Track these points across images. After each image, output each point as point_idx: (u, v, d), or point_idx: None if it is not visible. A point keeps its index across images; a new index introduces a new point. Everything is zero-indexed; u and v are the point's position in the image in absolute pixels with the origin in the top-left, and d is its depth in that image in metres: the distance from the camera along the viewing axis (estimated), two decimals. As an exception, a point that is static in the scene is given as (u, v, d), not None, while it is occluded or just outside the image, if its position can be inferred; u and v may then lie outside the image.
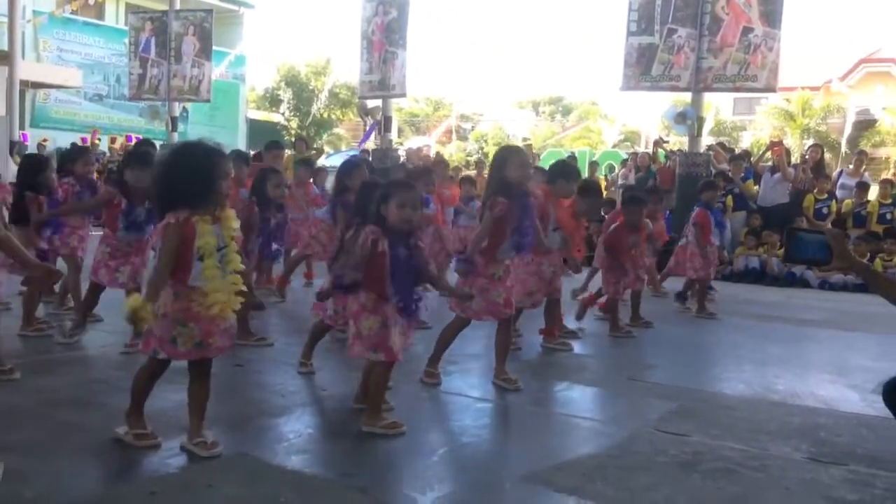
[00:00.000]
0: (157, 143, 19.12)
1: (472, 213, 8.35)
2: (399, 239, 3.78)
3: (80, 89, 24.56)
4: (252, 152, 12.51)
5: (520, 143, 35.25)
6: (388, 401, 4.09)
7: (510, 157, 4.80)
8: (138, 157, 5.62)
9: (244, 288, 3.44)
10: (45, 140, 19.02)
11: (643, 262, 7.49)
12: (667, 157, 14.08)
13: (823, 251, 3.42)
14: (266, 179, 5.89)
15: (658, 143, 15.17)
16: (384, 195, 3.80)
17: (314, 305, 5.00)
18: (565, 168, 6.35)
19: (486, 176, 11.57)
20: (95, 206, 5.83)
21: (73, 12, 22.67)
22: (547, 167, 7.15)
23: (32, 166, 6.09)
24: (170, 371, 3.52)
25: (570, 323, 6.82)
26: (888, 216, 11.89)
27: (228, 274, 3.35)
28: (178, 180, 3.29)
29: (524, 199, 4.79)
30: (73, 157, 6.37)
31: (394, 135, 18.59)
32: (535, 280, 5.79)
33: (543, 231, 5.69)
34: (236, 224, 3.43)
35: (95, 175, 7.44)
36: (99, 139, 19.89)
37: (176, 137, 18.36)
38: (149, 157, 5.68)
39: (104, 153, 18.42)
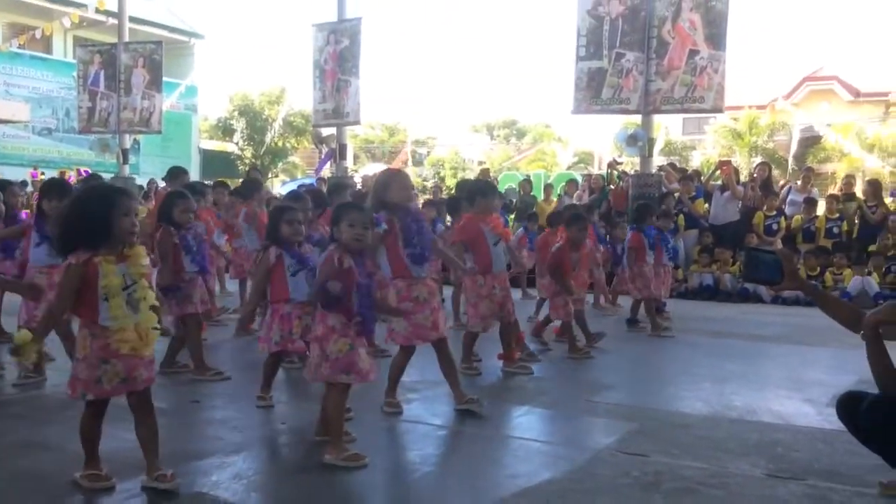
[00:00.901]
0: (107, 176, 18.82)
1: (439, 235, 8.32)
2: (355, 259, 3.86)
3: (28, 124, 24.14)
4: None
5: (476, 168, 35.45)
6: (349, 431, 4.05)
7: (392, 181, 4.82)
8: (54, 187, 5.80)
9: (158, 325, 3.44)
10: (-7, 176, 18.63)
11: (585, 280, 7.61)
12: (619, 178, 14.25)
13: (777, 271, 3.48)
14: (173, 204, 5.84)
15: (612, 164, 15.35)
16: (335, 217, 3.94)
17: (259, 340, 4.97)
18: (477, 186, 6.41)
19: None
20: (16, 232, 5.93)
21: (20, 46, 22.33)
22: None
23: None
24: (122, 410, 3.46)
25: (532, 345, 6.84)
26: (835, 230, 12.17)
27: (142, 311, 3.34)
28: (75, 224, 3.32)
29: (409, 213, 4.75)
30: None
31: (350, 162, 18.57)
32: (487, 303, 5.82)
33: (484, 251, 5.73)
34: (146, 261, 3.42)
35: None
36: (43, 173, 19.49)
37: (127, 170, 18.14)
38: (66, 188, 5.84)
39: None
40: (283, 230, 4.87)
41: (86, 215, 3.30)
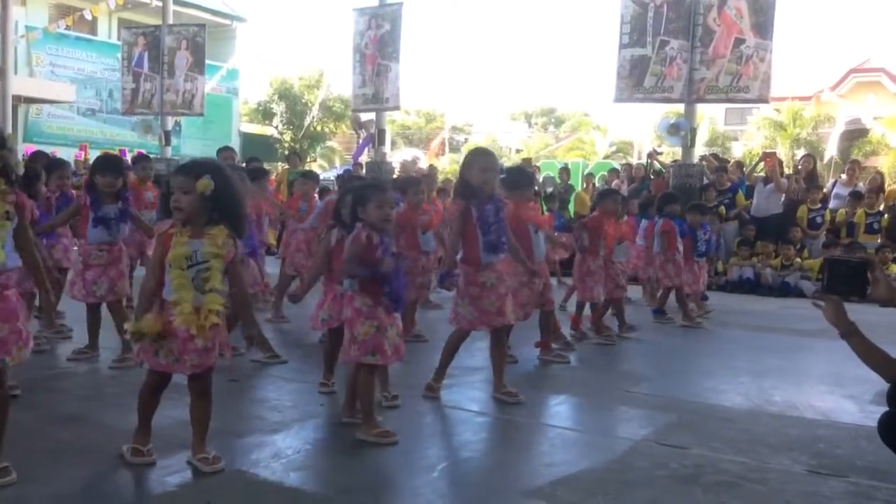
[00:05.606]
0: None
1: None
2: (383, 238, 3.93)
3: (72, 104, 24.49)
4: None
5: (512, 156, 35.28)
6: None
7: (473, 161, 4.79)
8: (106, 162, 5.65)
9: (220, 307, 3.35)
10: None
11: (625, 269, 7.55)
12: (658, 173, 14.00)
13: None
14: None
15: (652, 155, 15.18)
16: (360, 199, 3.98)
17: (312, 320, 4.92)
18: (520, 174, 6.33)
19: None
20: (71, 215, 5.73)
21: (66, 28, 22.61)
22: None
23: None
24: (169, 388, 3.50)
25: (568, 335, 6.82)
26: (875, 226, 11.93)
27: (206, 292, 3.30)
28: (162, 198, 3.50)
29: (488, 201, 4.72)
30: (51, 169, 6.52)
31: (387, 147, 18.58)
32: (526, 292, 5.78)
33: (528, 239, 5.65)
34: (221, 242, 3.34)
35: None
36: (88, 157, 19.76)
37: (169, 152, 18.33)
38: (118, 162, 5.76)
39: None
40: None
41: (162, 191, 3.47)
